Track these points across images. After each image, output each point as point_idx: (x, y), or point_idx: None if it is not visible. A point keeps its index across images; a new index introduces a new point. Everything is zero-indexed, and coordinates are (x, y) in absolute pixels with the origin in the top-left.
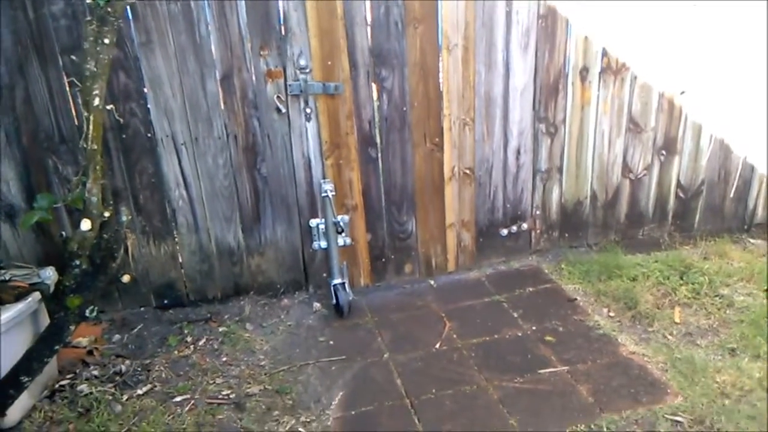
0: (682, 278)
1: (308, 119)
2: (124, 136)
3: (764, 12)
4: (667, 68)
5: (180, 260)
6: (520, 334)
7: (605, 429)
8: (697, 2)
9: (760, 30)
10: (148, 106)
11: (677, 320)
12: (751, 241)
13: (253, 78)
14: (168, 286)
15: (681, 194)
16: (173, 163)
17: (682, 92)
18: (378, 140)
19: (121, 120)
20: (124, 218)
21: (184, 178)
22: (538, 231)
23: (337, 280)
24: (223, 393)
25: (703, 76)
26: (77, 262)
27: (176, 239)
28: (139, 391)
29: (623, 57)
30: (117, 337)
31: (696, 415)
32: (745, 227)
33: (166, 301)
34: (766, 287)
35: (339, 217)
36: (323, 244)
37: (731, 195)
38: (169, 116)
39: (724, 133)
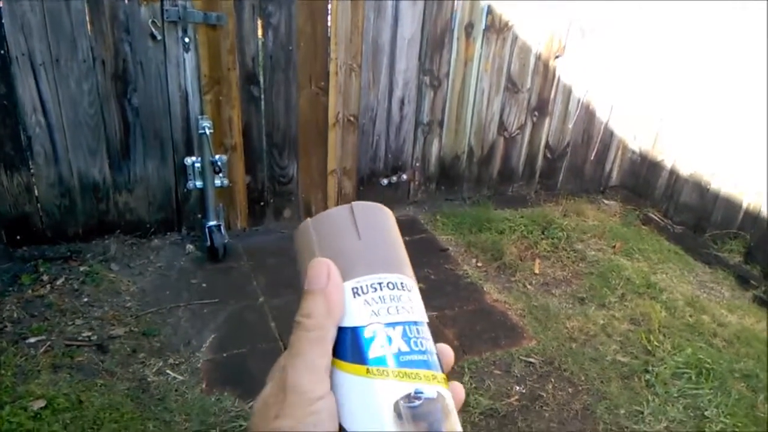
0: (543, 233)
1: (186, 49)
2: None
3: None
4: (545, 31)
5: (36, 193)
6: None
7: (466, 369)
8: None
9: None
10: (2, 20)
11: (537, 271)
12: (605, 201)
13: None
14: (21, 221)
15: (548, 154)
16: (29, 85)
17: (557, 56)
18: (261, 79)
19: None
20: None
21: (42, 103)
22: (417, 182)
23: (212, 222)
24: (84, 335)
25: (577, 43)
26: None
27: (32, 170)
28: None
29: (507, 15)
30: None
31: (546, 357)
32: (601, 189)
33: (18, 237)
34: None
35: (217, 157)
36: (199, 183)
37: (591, 158)
38: (26, 32)
39: (590, 98)
